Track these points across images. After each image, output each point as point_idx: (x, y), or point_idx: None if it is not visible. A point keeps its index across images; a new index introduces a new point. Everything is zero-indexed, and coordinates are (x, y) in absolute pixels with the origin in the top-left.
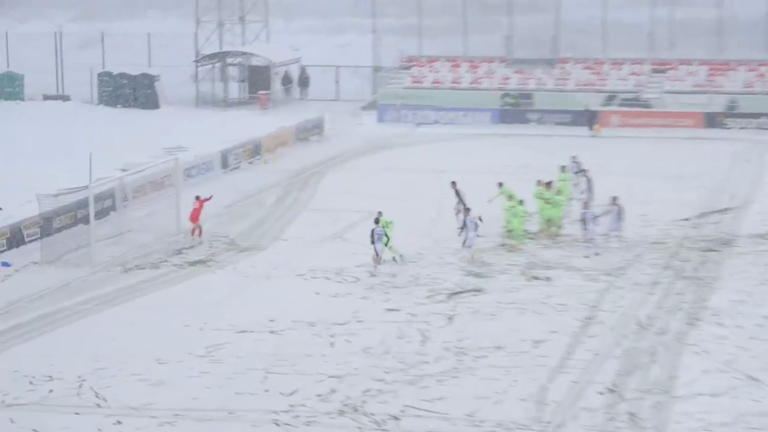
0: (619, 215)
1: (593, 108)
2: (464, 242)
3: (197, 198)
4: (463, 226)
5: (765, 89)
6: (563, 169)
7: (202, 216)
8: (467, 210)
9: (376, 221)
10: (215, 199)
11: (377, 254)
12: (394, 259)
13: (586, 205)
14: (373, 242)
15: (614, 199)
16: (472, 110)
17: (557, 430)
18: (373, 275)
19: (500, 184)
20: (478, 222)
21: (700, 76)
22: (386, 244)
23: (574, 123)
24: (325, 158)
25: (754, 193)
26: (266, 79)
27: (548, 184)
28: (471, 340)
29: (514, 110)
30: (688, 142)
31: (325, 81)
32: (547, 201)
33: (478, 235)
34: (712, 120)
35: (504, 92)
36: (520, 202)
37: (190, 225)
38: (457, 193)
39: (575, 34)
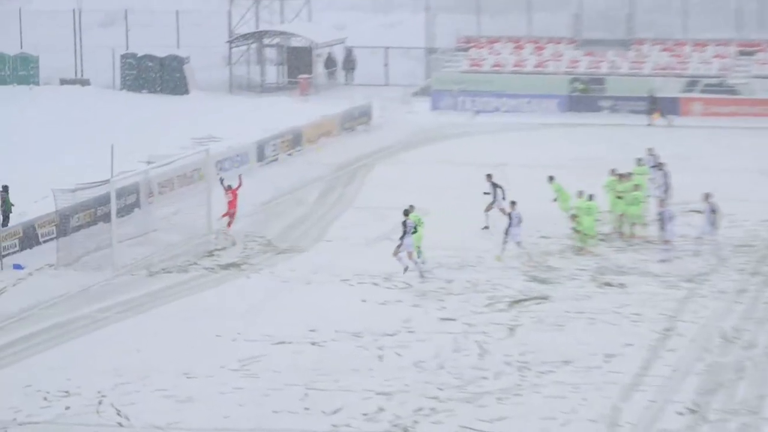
0: (713, 215)
1: (657, 94)
2: (505, 239)
3: (228, 187)
4: (509, 225)
5: None
6: (639, 162)
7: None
8: (513, 204)
9: (406, 213)
10: (250, 195)
11: (399, 249)
12: (411, 267)
13: (663, 202)
14: (402, 237)
15: (706, 196)
16: (537, 97)
17: None
18: (423, 278)
19: (551, 178)
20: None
21: None
22: (414, 233)
23: (651, 111)
24: (373, 150)
25: None
26: (307, 61)
27: (623, 176)
28: (535, 354)
29: (584, 97)
30: None
31: (373, 64)
32: (618, 195)
33: (542, 236)
34: None
35: (573, 77)
36: (590, 198)
37: (225, 216)
38: (493, 186)
39: (653, 12)
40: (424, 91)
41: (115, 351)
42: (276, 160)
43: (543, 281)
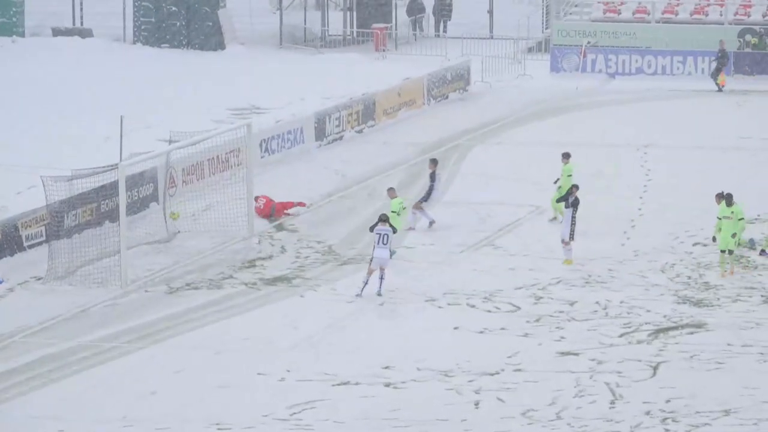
0: None
1: (728, 48)
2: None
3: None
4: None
5: None
6: None
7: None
8: (574, 188)
9: (384, 219)
10: (306, 186)
11: (371, 263)
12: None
13: None
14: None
15: None
16: (693, 54)
17: None
18: (358, 296)
19: (566, 157)
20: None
21: None
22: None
23: None
24: (471, 126)
25: None
26: (385, 6)
27: None
28: (685, 401)
29: (759, 54)
30: None
31: (474, 9)
32: None
33: (697, 243)
34: None
35: (743, 27)
36: (730, 199)
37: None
38: (433, 178)
39: None
40: (541, 47)
41: (124, 393)
42: (341, 138)
43: (697, 303)
